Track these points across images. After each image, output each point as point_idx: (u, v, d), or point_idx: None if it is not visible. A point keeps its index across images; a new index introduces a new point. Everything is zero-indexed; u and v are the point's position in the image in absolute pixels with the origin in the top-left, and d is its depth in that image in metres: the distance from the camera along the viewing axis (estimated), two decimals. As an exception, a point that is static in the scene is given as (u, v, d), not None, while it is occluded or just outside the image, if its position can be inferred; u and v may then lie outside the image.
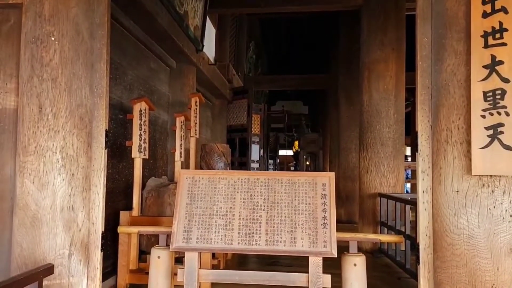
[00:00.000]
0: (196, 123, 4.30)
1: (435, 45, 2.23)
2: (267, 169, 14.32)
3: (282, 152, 24.22)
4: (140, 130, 3.12)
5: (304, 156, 9.96)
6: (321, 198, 2.50)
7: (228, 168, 4.38)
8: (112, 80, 3.25)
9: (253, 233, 2.43)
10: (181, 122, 3.80)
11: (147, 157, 3.26)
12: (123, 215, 3.04)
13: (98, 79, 2.47)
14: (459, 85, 2.06)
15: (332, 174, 2.54)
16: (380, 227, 4.34)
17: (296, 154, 14.27)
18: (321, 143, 10.01)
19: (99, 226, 2.37)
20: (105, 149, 2.49)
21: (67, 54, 2.30)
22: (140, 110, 3.13)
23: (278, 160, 22.42)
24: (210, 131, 7.06)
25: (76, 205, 2.30)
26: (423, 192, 2.25)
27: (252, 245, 2.38)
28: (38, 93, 2.22)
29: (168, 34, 3.75)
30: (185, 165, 4.48)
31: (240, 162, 7.49)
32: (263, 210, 2.48)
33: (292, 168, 31.89)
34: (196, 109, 4.30)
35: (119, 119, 3.35)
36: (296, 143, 13.37)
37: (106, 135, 2.48)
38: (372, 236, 2.54)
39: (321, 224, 2.44)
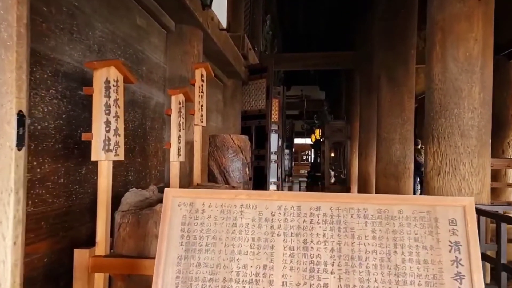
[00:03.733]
0: (202, 105, 3.06)
1: None
2: (282, 160, 13.03)
3: (297, 141, 22.89)
4: (108, 114, 1.89)
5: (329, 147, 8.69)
6: (451, 251, 1.25)
7: (248, 169, 3.14)
8: (65, 34, 2.01)
9: (312, 322, 1.21)
10: (180, 103, 2.55)
11: (122, 158, 2.03)
12: (79, 255, 1.83)
13: (3, 9, 1.27)
14: None
15: (470, 201, 1.29)
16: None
17: (316, 143, 12.96)
18: (349, 132, 8.69)
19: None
20: (20, 149, 1.30)
21: None
22: (107, 81, 1.89)
23: (293, 150, 21.15)
24: (221, 118, 5.82)
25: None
26: None
27: None
28: None
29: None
30: (189, 167, 3.26)
31: (257, 155, 6.24)
32: (331, 273, 1.26)
33: (305, 158, 30.50)
34: (202, 85, 3.05)
35: (79, 97, 2.13)
36: (317, 131, 12.03)
37: (22, 122, 1.29)
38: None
39: (456, 308, 1.19)
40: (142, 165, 2.98)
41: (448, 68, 3.35)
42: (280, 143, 9.00)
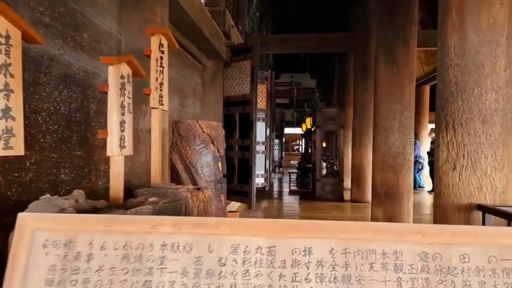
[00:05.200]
0: (161, 83, 2.40)
1: None
2: (271, 151, 12.41)
3: (287, 131, 22.29)
4: (-13, 85, 1.24)
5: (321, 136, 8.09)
6: None
7: (220, 164, 2.51)
8: None
9: None
10: (123, 77, 1.90)
11: (21, 153, 1.39)
12: None
13: None
14: None
15: None
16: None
17: (307, 133, 12.37)
18: (342, 121, 8.11)
19: None
20: None
21: None
22: (-15, 35, 1.23)
23: (284, 140, 20.56)
24: (199, 104, 5.16)
25: None
26: None
27: None
28: None
29: None
30: (145, 165, 2.63)
31: (242, 146, 5.61)
32: None
33: (295, 148, 29.98)
34: (161, 58, 2.39)
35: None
36: (308, 120, 11.43)
37: None
38: None
39: None
40: (83, 159, 2.33)
41: (466, 39, 2.75)
42: (268, 132, 8.37)
